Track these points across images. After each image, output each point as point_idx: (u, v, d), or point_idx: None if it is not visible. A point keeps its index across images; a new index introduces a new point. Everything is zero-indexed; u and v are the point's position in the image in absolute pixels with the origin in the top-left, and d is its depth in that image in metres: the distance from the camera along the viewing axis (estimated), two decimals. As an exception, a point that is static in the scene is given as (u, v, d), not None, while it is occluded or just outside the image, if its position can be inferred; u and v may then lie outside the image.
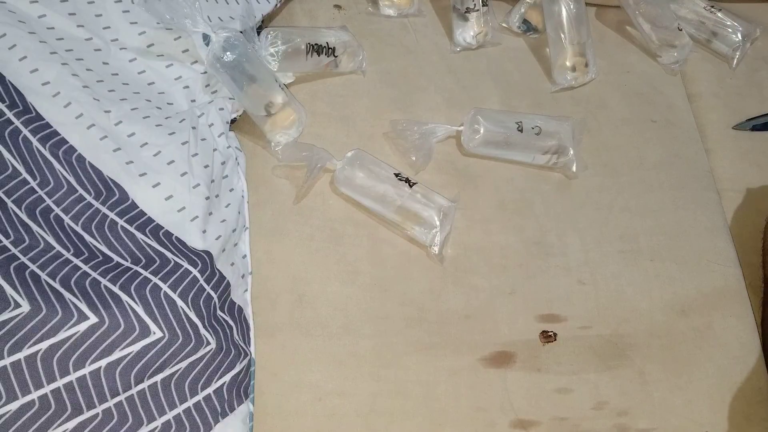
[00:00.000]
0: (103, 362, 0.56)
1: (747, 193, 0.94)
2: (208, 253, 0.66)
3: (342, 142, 0.83)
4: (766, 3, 1.12)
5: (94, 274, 0.58)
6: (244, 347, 0.67)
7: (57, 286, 0.56)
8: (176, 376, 0.60)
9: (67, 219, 0.61)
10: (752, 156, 0.97)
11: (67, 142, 0.64)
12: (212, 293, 0.64)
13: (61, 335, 0.55)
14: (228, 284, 0.67)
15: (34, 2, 0.67)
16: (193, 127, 0.71)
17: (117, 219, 0.63)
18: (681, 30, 1.01)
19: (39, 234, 0.59)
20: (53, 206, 0.61)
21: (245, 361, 0.66)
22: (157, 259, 0.62)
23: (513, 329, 0.78)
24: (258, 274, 0.73)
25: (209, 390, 0.62)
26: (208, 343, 0.61)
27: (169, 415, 0.59)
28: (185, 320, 0.60)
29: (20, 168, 0.61)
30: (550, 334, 0.78)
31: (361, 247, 0.78)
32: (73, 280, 0.57)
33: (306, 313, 0.73)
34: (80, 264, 0.59)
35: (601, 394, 0.76)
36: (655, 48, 1.02)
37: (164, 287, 0.60)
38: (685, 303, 0.83)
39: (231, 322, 0.66)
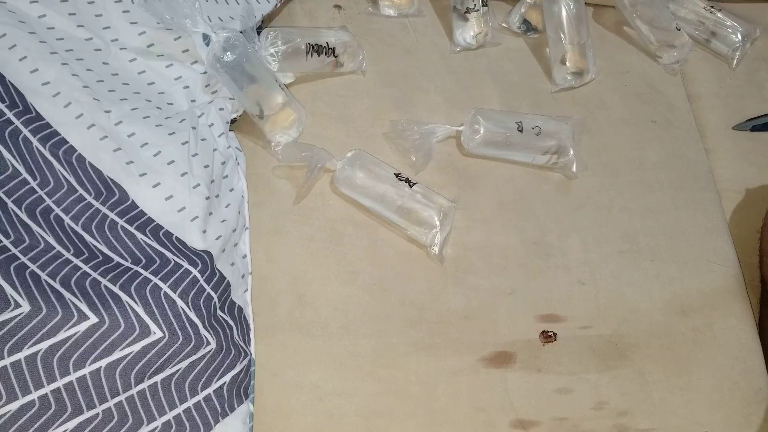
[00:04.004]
0: (103, 362, 0.56)
1: (746, 194, 0.94)
2: (208, 253, 0.66)
3: (342, 142, 0.83)
4: (766, 3, 1.12)
5: (94, 274, 0.58)
6: (244, 347, 0.67)
7: (57, 286, 0.56)
8: (176, 376, 0.60)
9: (67, 219, 0.61)
10: (752, 156, 0.97)
11: (67, 142, 0.64)
12: (212, 293, 0.64)
13: (61, 335, 0.55)
14: (228, 284, 0.67)
15: (34, 2, 0.67)
16: (193, 127, 0.71)
17: (117, 219, 0.63)
18: (679, 30, 1.01)
19: (39, 234, 0.59)
20: (53, 206, 0.61)
21: (245, 361, 0.66)
22: (157, 259, 0.62)
23: (513, 329, 0.78)
24: (258, 274, 0.73)
25: (209, 390, 0.62)
26: (208, 343, 0.61)
27: (169, 415, 0.59)
28: (185, 320, 0.60)
29: (20, 168, 0.60)
30: (550, 334, 0.78)
31: (361, 247, 0.78)
32: (73, 280, 0.57)
33: (306, 313, 0.73)
34: (80, 264, 0.59)
35: (601, 394, 0.76)
36: (654, 48, 1.02)
37: (164, 287, 0.60)
38: (685, 303, 0.83)
39: (231, 322, 0.66)
